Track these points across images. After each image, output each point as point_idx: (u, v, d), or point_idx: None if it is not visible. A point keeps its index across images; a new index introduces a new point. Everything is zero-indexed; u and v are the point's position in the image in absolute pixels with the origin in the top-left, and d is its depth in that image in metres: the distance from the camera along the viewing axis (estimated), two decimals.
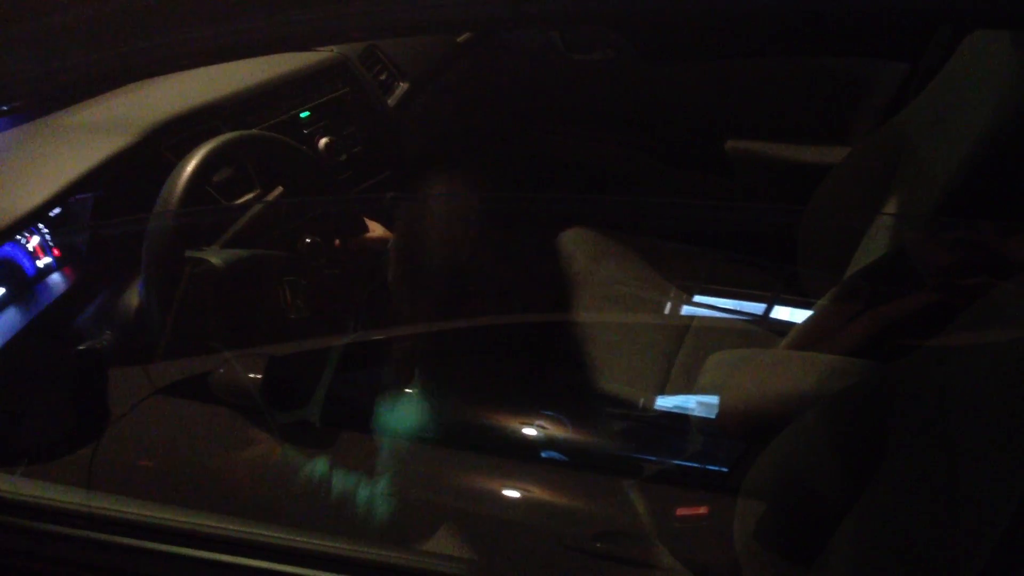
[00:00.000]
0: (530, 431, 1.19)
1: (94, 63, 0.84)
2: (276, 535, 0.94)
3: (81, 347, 1.21)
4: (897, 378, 0.96)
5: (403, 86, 2.03)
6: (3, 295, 1.29)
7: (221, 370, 1.19)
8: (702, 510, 1.22)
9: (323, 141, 1.73)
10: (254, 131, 1.51)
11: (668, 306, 1.63)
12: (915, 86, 1.88)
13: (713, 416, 1.32)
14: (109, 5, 0.80)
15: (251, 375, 1.18)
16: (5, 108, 0.92)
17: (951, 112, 1.41)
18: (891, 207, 1.48)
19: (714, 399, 1.35)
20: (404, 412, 1.14)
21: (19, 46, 0.83)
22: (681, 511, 1.22)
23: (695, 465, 1.28)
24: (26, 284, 1.34)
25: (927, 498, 0.84)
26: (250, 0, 0.79)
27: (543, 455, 1.21)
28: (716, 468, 1.29)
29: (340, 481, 1.13)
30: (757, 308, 1.61)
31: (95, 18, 0.81)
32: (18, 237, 1.34)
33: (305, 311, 1.29)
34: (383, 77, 1.99)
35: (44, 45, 0.83)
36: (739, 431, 1.23)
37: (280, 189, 1.50)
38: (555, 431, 1.21)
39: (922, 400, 0.90)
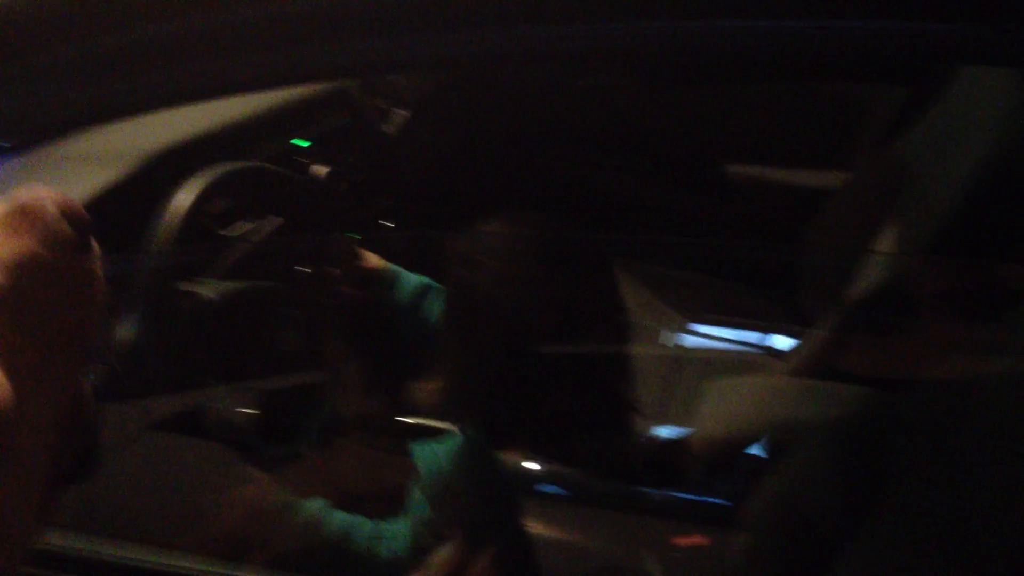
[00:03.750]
0: (526, 465, 1.18)
1: (91, 99, 0.84)
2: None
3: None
4: (899, 407, 0.95)
5: (403, 114, 2.02)
6: None
7: (214, 405, 1.18)
8: (701, 539, 1.21)
9: (322, 170, 1.72)
10: (251, 162, 1.50)
11: (667, 335, 1.61)
12: (916, 111, 1.87)
13: (714, 445, 1.31)
14: (103, 42, 0.80)
15: (244, 410, 1.17)
16: (6, 145, 0.92)
17: (952, 138, 1.40)
18: (891, 233, 1.47)
19: (715, 428, 1.34)
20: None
21: (15, 83, 0.83)
22: (679, 540, 1.21)
23: (696, 498, 1.27)
24: None
25: (930, 529, 0.83)
26: (249, 37, 0.78)
27: (538, 489, 1.20)
28: (718, 500, 1.27)
29: (337, 521, 1.11)
30: (759, 337, 1.60)
31: (92, 55, 0.81)
32: None
33: (301, 344, 1.28)
34: (383, 105, 1.98)
35: (39, 82, 0.83)
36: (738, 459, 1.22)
37: (278, 220, 1.50)
38: (551, 464, 1.20)
39: (924, 430, 0.89)
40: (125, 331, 1.20)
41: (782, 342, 1.57)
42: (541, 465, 1.18)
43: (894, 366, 1.14)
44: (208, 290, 1.17)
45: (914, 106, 1.91)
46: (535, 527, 1.18)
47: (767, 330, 1.59)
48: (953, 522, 0.82)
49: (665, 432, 1.44)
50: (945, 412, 0.90)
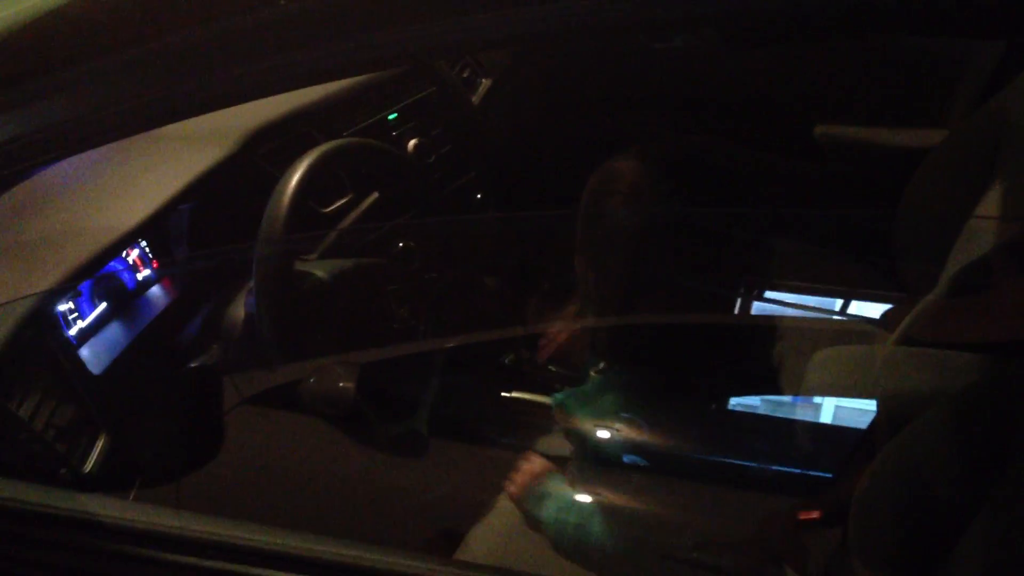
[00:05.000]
0: (613, 435, 1.17)
1: (195, 91, 0.83)
2: (372, 555, 0.91)
3: (194, 364, 1.21)
4: (1019, 375, 0.92)
5: (486, 82, 2.01)
6: (105, 310, 1.29)
7: (313, 379, 1.17)
8: (815, 514, 1.19)
9: (412, 143, 1.72)
10: (352, 140, 1.50)
11: (756, 304, 1.58)
12: (1014, 63, 1.80)
13: (822, 417, 1.28)
14: (185, 37, 0.80)
15: (344, 383, 1.16)
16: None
17: None
18: (995, 193, 1.42)
19: (823, 400, 1.31)
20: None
21: (92, 81, 0.83)
22: (800, 515, 1.19)
23: (800, 471, 1.24)
24: (127, 298, 1.34)
25: None
26: (335, 25, 0.77)
27: (627, 460, 1.18)
28: (823, 474, 1.24)
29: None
30: (853, 305, 1.56)
31: (172, 51, 0.80)
32: None
33: (409, 320, 1.27)
34: (466, 74, 1.97)
35: (143, 73, 0.82)
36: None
37: (375, 194, 1.49)
38: (642, 435, 1.18)
39: None
40: (241, 310, 1.20)
41: (875, 309, 1.53)
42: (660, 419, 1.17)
43: (1006, 333, 1.11)
44: (319, 270, 1.17)
45: (1012, 60, 1.85)
46: (630, 499, 1.17)
47: (870, 298, 1.56)
48: None
49: (763, 403, 1.42)
50: None
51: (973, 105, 1.90)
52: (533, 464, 1.16)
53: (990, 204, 1.41)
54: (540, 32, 0.80)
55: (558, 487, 1.13)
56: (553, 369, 1.42)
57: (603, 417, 1.13)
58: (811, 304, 1.66)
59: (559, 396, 1.15)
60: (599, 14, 0.74)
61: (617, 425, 1.16)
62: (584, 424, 1.15)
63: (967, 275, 1.29)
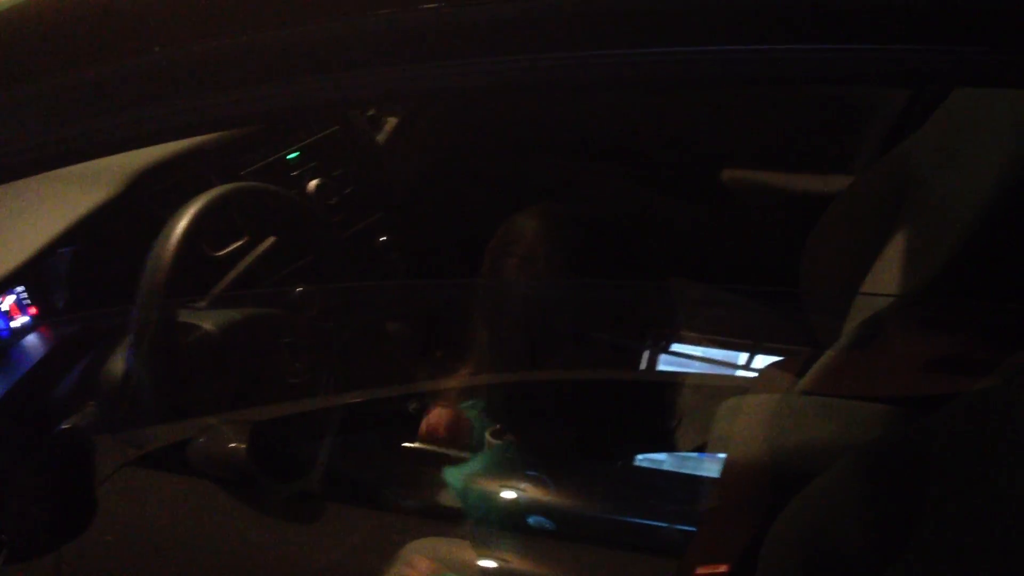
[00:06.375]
0: (513, 495, 1.13)
1: (91, 132, 0.78)
2: None
3: (64, 426, 1.13)
4: (935, 427, 0.90)
5: (392, 121, 1.97)
6: None
7: (202, 439, 1.10)
8: (722, 568, 1.16)
9: (313, 183, 1.67)
10: (244, 184, 1.44)
11: (663, 357, 1.56)
12: (920, 112, 1.83)
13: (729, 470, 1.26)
14: (103, 71, 0.74)
15: (234, 444, 1.09)
16: None
17: (962, 143, 1.35)
18: (899, 241, 1.42)
19: (729, 452, 1.29)
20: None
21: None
22: (701, 570, 1.16)
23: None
24: (0, 348, 1.26)
25: (974, 559, 0.78)
26: (248, 70, 0.73)
27: (530, 522, 1.15)
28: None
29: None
30: (760, 357, 1.55)
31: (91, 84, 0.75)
32: None
33: (304, 374, 1.21)
34: (371, 113, 1.93)
35: (35, 114, 0.77)
36: (758, 486, 1.17)
37: (272, 238, 1.44)
38: (548, 495, 1.14)
39: (966, 451, 0.84)
40: (120, 363, 1.13)
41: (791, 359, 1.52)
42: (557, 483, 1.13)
43: (901, 389, 1.10)
44: (207, 322, 1.11)
45: (918, 106, 1.87)
46: (524, 564, 1.13)
47: (778, 352, 1.55)
48: (1001, 548, 0.77)
49: (670, 458, 1.39)
50: (991, 430, 0.85)
51: (879, 151, 1.93)
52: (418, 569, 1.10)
53: (892, 254, 1.42)
54: (468, 87, 0.78)
55: None
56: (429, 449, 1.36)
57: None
58: (718, 357, 1.65)
59: (454, 476, 1.11)
60: (520, 74, 0.71)
61: (522, 485, 1.13)
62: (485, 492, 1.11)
63: (868, 328, 1.29)
